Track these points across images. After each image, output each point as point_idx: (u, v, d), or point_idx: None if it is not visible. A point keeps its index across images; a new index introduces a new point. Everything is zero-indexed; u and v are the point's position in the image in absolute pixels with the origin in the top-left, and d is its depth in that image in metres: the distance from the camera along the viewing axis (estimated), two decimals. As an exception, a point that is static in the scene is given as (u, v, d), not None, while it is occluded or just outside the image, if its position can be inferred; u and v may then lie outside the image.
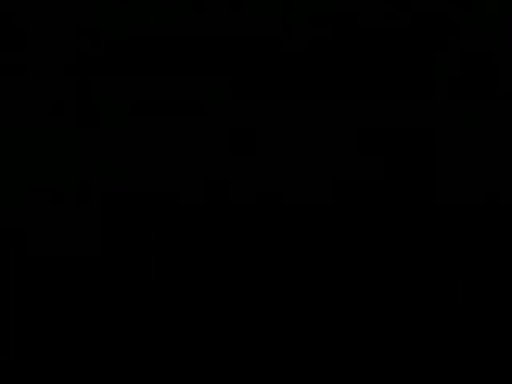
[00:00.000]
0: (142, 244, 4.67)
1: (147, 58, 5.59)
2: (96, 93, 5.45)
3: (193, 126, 5.34)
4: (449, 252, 4.14)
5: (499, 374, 2.96)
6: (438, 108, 5.27)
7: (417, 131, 5.40)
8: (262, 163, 4.42)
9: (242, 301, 3.54)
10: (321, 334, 3.23)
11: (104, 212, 4.50)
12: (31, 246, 4.07)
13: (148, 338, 3.19)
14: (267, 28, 5.02)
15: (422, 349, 3.17)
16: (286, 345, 3.13)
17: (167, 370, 2.91)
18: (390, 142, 5.54)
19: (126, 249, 4.32)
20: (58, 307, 3.38)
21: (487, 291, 3.68)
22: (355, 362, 3.04)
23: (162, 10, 4.80)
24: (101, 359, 2.98)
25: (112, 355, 3.01)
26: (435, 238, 4.32)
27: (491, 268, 3.80)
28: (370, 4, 4.63)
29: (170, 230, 4.31)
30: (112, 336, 3.16)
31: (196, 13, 4.83)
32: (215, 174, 4.73)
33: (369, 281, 3.81)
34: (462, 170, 4.90)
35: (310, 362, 3.09)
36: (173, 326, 3.34)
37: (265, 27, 4.96)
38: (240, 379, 2.94)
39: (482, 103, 4.34)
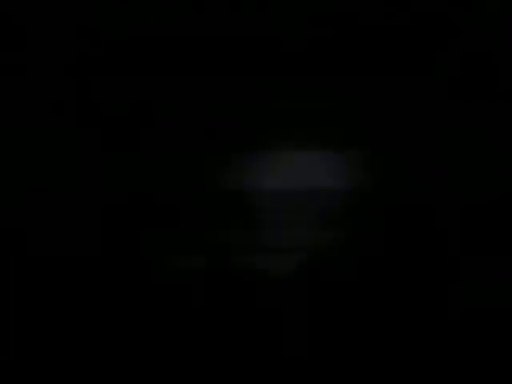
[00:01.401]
0: (143, 244, 4.67)
1: (147, 58, 5.60)
2: (96, 93, 5.45)
3: (192, 125, 5.34)
4: (449, 252, 4.15)
5: (499, 374, 2.96)
6: (438, 108, 5.28)
7: (417, 131, 5.41)
8: (266, 162, 4.45)
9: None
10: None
11: (104, 212, 4.51)
12: (31, 246, 4.07)
13: (149, 339, 3.19)
14: (268, 28, 5.02)
15: (422, 349, 3.17)
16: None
17: (167, 370, 2.91)
18: (389, 142, 5.54)
19: (127, 249, 4.33)
20: (58, 307, 3.38)
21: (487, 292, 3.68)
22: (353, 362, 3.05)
23: (162, 9, 4.80)
24: (101, 359, 2.99)
25: (112, 355, 3.02)
26: (435, 239, 4.33)
27: (491, 269, 3.80)
28: (369, 4, 4.63)
29: (171, 230, 4.31)
30: (113, 336, 3.17)
31: (196, 13, 4.83)
32: (219, 174, 4.72)
33: (368, 282, 3.82)
34: (462, 171, 4.90)
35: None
36: (173, 326, 3.35)
37: (265, 27, 4.96)
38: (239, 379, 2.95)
39: (482, 103, 4.34)
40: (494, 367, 2.96)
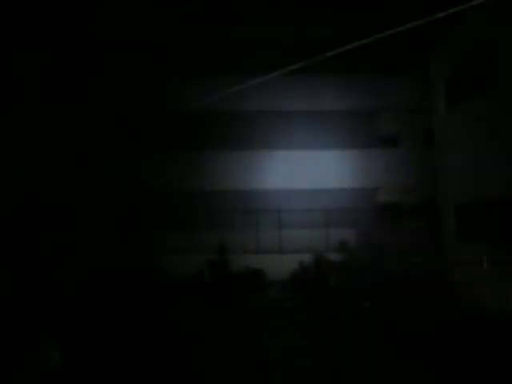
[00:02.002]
0: (142, 244, 4.64)
1: (147, 58, 5.61)
2: (96, 93, 5.45)
3: (192, 125, 5.37)
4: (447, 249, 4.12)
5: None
6: (438, 108, 5.29)
7: (417, 130, 5.42)
8: (267, 162, 4.40)
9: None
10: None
11: (104, 212, 4.49)
12: (31, 246, 4.06)
13: (149, 336, 3.19)
14: (267, 28, 5.03)
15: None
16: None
17: (167, 368, 2.91)
18: (390, 142, 5.54)
19: (126, 248, 4.30)
20: (57, 305, 3.37)
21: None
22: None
23: (162, 9, 4.79)
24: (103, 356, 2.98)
25: (114, 351, 3.01)
26: (437, 235, 4.31)
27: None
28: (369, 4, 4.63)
29: (171, 230, 4.28)
30: (114, 334, 3.16)
31: (196, 13, 4.83)
32: (219, 174, 4.68)
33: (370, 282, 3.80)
34: (463, 170, 4.90)
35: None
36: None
37: (264, 27, 4.97)
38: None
39: (482, 103, 4.32)
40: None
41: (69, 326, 3.06)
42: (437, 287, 4.10)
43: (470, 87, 4.51)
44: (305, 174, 5.73)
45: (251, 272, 4.94)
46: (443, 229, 5.21)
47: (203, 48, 5.40)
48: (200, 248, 5.21)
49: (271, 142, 5.78)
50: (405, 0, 4.32)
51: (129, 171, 5.45)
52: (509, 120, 3.80)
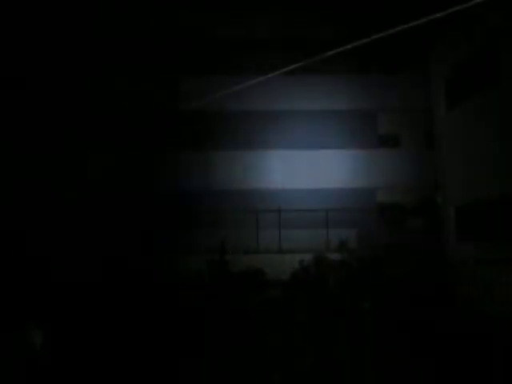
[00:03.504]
0: (142, 244, 4.62)
1: (147, 58, 5.62)
2: (94, 92, 5.46)
3: (192, 125, 5.37)
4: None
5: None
6: (438, 108, 5.30)
7: (417, 131, 5.42)
8: (266, 162, 4.39)
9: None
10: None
11: (104, 212, 4.47)
12: (32, 245, 4.07)
13: (149, 336, 3.19)
14: (267, 28, 5.05)
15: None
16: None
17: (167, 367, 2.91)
18: (392, 142, 5.54)
19: (126, 248, 4.29)
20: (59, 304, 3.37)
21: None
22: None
23: (162, 9, 4.81)
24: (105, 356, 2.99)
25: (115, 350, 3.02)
26: (437, 235, 4.31)
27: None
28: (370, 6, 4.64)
29: (172, 230, 4.27)
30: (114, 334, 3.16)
31: (196, 13, 4.84)
32: (220, 174, 4.67)
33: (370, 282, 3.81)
34: (463, 170, 4.92)
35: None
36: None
37: (262, 29, 4.99)
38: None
39: (482, 103, 4.33)
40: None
41: (58, 318, 3.07)
42: (437, 287, 4.10)
43: (470, 87, 4.53)
44: (305, 173, 5.76)
45: (251, 272, 4.94)
46: (443, 229, 5.24)
47: (203, 48, 5.42)
48: (200, 248, 5.21)
49: (270, 141, 5.81)
50: (405, 0, 4.35)
51: (127, 171, 5.46)
52: (509, 120, 3.82)
